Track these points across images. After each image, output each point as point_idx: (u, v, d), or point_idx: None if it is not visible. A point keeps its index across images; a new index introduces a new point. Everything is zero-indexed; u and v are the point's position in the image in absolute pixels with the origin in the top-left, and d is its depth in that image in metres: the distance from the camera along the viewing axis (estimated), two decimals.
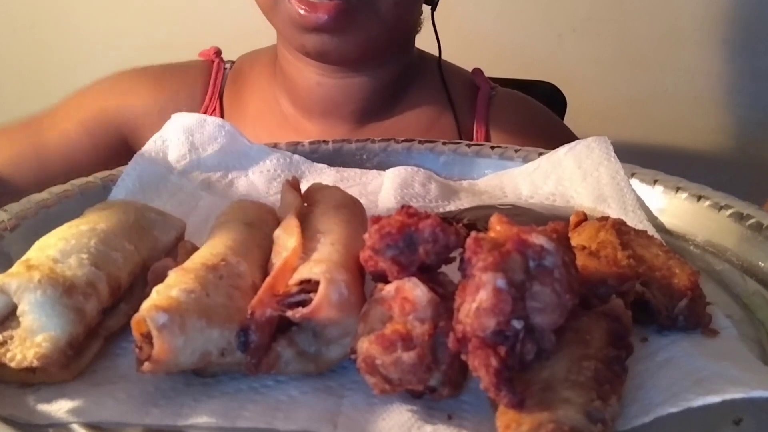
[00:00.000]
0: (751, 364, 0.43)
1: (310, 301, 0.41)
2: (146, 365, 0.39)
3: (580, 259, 0.43)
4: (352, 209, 0.55)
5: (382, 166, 0.77)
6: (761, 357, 0.46)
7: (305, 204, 0.55)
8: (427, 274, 0.41)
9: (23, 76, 1.70)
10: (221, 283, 0.43)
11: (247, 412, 0.40)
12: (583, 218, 0.57)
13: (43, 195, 0.63)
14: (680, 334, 0.46)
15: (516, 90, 1.10)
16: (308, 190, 0.59)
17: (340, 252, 0.45)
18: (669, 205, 0.67)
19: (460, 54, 1.08)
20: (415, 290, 0.39)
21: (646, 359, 0.43)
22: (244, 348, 0.40)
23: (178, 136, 0.73)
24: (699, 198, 0.65)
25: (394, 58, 0.95)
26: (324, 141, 0.81)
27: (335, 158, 0.79)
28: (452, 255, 0.42)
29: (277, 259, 0.46)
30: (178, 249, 0.51)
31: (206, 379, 0.43)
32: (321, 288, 0.41)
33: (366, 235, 0.42)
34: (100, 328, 0.45)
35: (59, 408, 0.40)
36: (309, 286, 0.41)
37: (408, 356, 0.38)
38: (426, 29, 1.02)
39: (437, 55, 1.03)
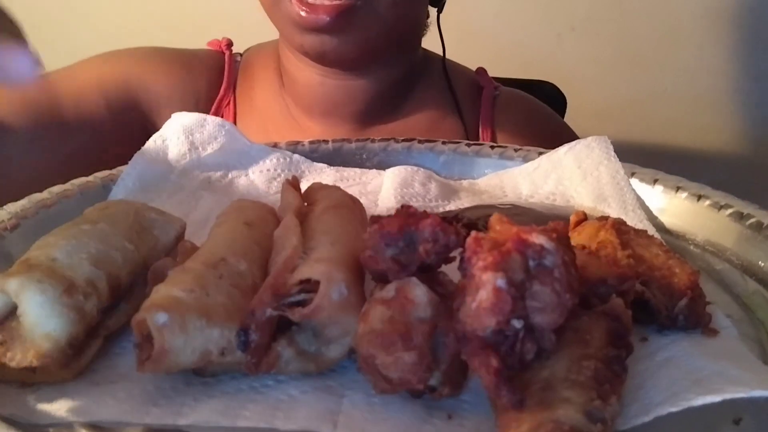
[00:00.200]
0: (751, 364, 0.43)
1: (310, 300, 0.41)
2: (146, 365, 0.39)
3: (580, 259, 0.43)
4: (352, 209, 0.55)
5: (382, 166, 0.77)
6: (761, 356, 0.46)
7: (305, 203, 0.55)
8: (427, 273, 0.41)
9: None
10: (221, 283, 0.43)
11: (247, 412, 0.40)
12: (583, 218, 0.57)
13: (43, 195, 0.63)
14: (680, 333, 0.46)
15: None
16: (308, 189, 0.59)
17: (340, 251, 0.45)
18: (669, 205, 0.67)
19: (459, 53, 1.08)
20: (415, 290, 0.39)
21: (645, 359, 0.43)
22: (244, 347, 0.40)
23: (178, 136, 0.73)
24: (699, 197, 0.65)
25: (397, 59, 0.95)
26: (324, 140, 0.81)
27: (335, 158, 0.79)
28: (452, 255, 0.42)
29: (278, 259, 0.46)
30: (178, 248, 0.51)
31: (206, 378, 0.43)
32: (321, 287, 0.41)
33: (366, 235, 0.42)
34: (100, 328, 0.45)
35: (59, 407, 0.40)
36: (309, 285, 0.41)
37: (408, 356, 0.38)
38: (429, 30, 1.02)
39: (440, 54, 1.03)
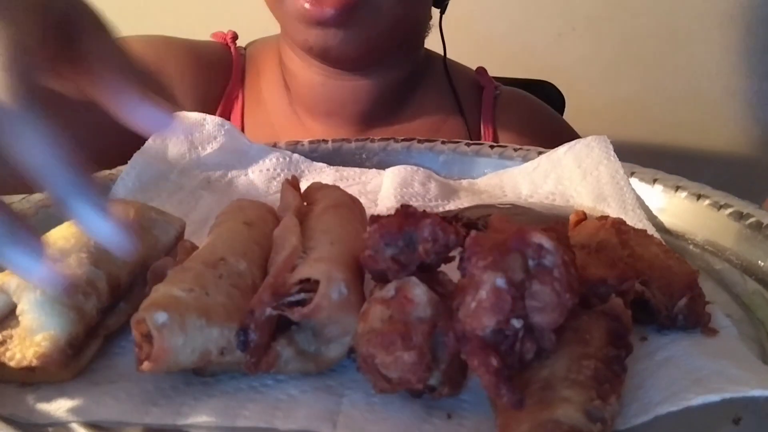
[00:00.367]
0: (750, 363, 0.43)
1: (309, 300, 0.41)
2: (146, 364, 0.39)
3: (580, 259, 0.43)
4: (351, 208, 0.55)
5: (382, 166, 0.77)
6: (761, 356, 0.46)
7: (305, 203, 0.55)
8: (427, 273, 0.41)
9: None
10: (221, 282, 0.43)
11: (246, 411, 0.40)
12: (583, 217, 0.57)
13: (43, 195, 0.63)
14: (680, 333, 0.46)
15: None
16: (308, 189, 0.58)
17: (340, 251, 0.45)
18: (668, 204, 0.67)
19: (459, 53, 1.08)
20: (415, 289, 0.39)
21: (645, 358, 0.43)
22: (243, 347, 0.40)
23: (177, 135, 0.73)
24: (698, 197, 0.65)
25: (400, 60, 0.95)
26: (324, 140, 0.81)
27: (335, 157, 0.79)
28: (452, 254, 0.42)
29: (277, 258, 0.46)
30: (177, 248, 0.51)
31: (206, 378, 0.43)
32: (321, 287, 0.41)
33: (365, 235, 0.42)
34: (99, 328, 0.45)
35: (59, 407, 0.40)
36: (309, 285, 0.41)
37: (408, 355, 0.38)
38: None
39: (440, 54, 1.03)
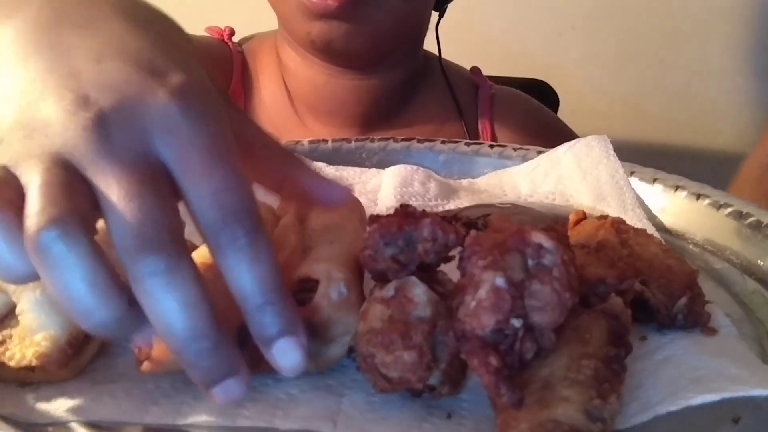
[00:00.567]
0: (750, 363, 0.43)
1: (309, 299, 0.41)
2: (146, 364, 0.39)
3: (579, 258, 0.43)
4: (351, 208, 0.54)
5: (382, 165, 0.77)
6: (760, 355, 0.46)
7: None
8: (427, 272, 0.41)
9: None
10: (220, 282, 0.43)
11: (246, 411, 0.40)
12: (583, 217, 0.57)
13: None
14: (679, 332, 0.46)
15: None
16: None
17: (340, 250, 0.45)
18: (668, 204, 0.67)
19: (459, 52, 1.08)
20: (415, 289, 0.40)
21: (645, 358, 0.43)
22: (243, 346, 0.40)
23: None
24: (698, 196, 0.65)
25: (402, 60, 0.94)
26: (323, 140, 0.81)
27: (334, 157, 0.79)
28: (451, 253, 0.42)
29: (277, 258, 0.46)
30: None
31: None
32: (320, 286, 0.41)
33: (365, 234, 0.42)
34: None
35: (59, 407, 0.40)
36: (308, 284, 0.41)
37: (408, 355, 0.38)
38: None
39: (435, 53, 1.02)
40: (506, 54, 1.53)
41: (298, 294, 0.41)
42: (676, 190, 0.67)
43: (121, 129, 0.35)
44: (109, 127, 0.34)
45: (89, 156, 0.34)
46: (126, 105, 0.35)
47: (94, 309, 0.32)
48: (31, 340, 0.41)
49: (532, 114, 1.06)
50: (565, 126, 1.07)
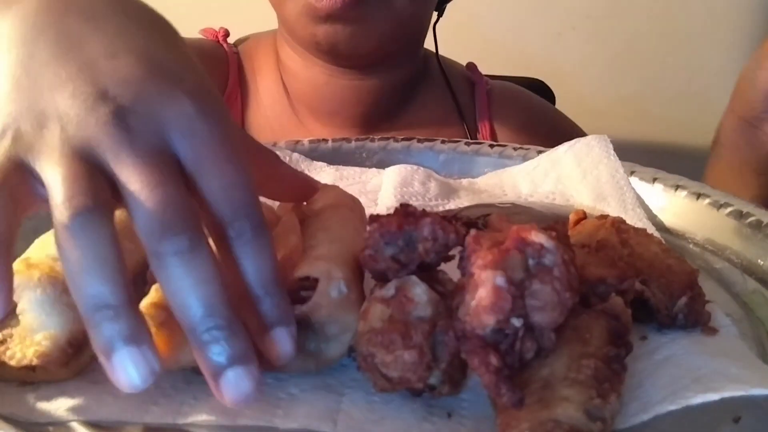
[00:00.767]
0: (750, 362, 0.43)
1: (309, 298, 0.41)
2: None
3: (580, 258, 0.43)
4: (351, 207, 0.54)
5: (382, 165, 0.77)
6: (761, 355, 0.46)
7: (304, 202, 0.55)
8: (427, 272, 0.42)
9: None
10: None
11: (247, 410, 0.40)
12: (583, 216, 0.57)
13: None
14: (679, 332, 0.46)
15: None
16: None
17: (340, 250, 0.45)
18: (668, 203, 0.67)
19: (458, 52, 1.08)
20: (415, 288, 0.40)
21: (645, 357, 0.43)
22: None
23: None
24: (698, 196, 0.65)
25: (403, 60, 0.94)
26: (323, 139, 0.81)
27: (335, 157, 0.79)
28: (452, 253, 0.42)
29: (277, 257, 0.46)
30: None
31: None
32: (320, 285, 0.41)
33: (365, 234, 0.42)
34: None
35: (59, 406, 0.40)
36: (308, 283, 0.41)
37: (408, 354, 0.38)
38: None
39: (433, 51, 1.02)
40: (506, 54, 1.53)
41: (298, 292, 0.42)
42: (676, 189, 0.67)
43: (141, 124, 0.36)
44: (129, 121, 0.36)
45: (112, 149, 0.36)
46: (144, 102, 0.37)
47: (97, 284, 0.34)
48: (31, 339, 0.41)
49: (531, 108, 1.06)
50: (564, 116, 1.07)
